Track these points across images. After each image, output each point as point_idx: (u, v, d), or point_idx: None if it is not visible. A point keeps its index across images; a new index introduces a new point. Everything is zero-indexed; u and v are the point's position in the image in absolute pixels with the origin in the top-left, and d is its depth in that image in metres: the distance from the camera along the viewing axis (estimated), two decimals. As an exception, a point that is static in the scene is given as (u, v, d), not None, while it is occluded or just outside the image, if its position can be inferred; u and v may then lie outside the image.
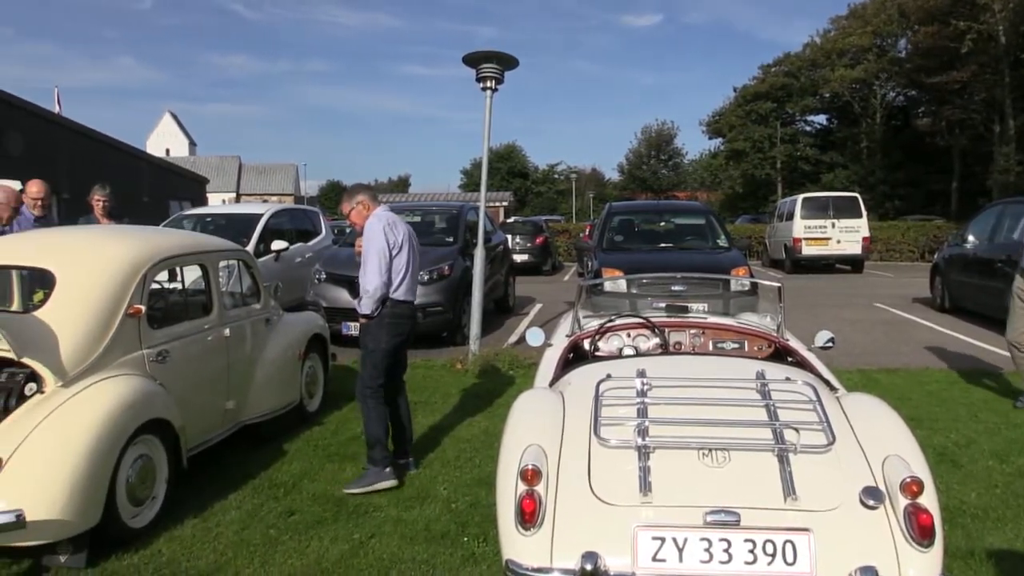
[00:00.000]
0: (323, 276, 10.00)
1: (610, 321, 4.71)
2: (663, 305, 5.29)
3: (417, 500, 4.72)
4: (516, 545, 2.82)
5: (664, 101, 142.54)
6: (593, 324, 4.76)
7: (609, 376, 3.41)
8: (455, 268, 10.09)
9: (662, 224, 12.54)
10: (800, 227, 21.43)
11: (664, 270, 8.64)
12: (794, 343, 4.58)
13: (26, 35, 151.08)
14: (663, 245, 11.55)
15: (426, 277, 9.66)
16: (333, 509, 4.59)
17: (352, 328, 9.40)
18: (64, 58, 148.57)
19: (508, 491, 2.93)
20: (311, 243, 12.12)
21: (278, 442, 5.77)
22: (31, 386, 4.01)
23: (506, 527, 2.88)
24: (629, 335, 4.66)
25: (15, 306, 4.84)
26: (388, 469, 4.92)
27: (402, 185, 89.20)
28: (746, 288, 9.42)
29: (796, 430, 3.02)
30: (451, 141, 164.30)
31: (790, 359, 4.36)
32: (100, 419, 3.90)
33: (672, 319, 4.80)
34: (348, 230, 15.89)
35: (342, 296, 9.60)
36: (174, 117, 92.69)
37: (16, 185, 6.75)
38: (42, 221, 6.70)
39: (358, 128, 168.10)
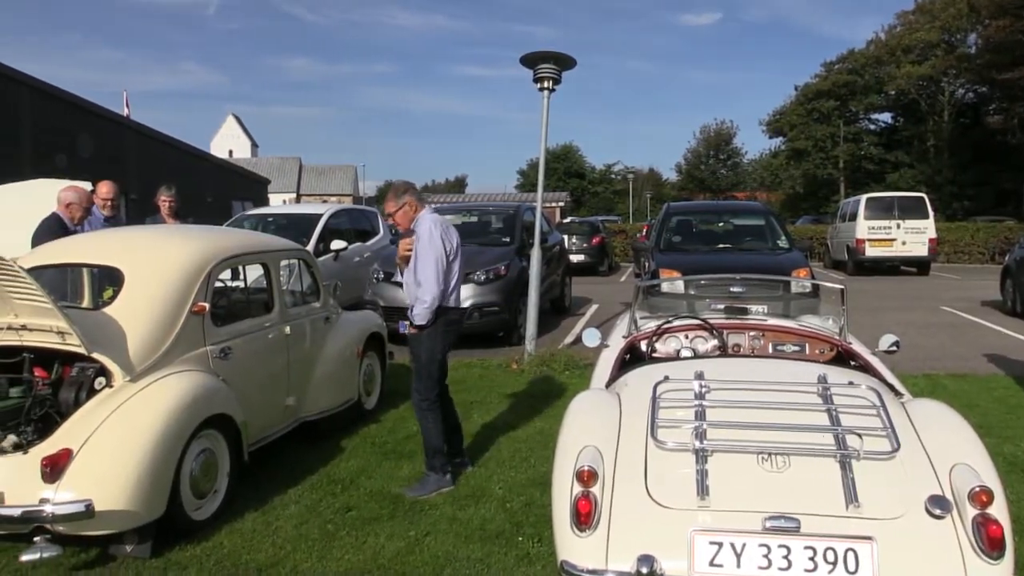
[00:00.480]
0: (381, 275, 10.11)
1: (668, 322, 4.66)
2: (722, 307, 5.21)
3: (472, 499, 4.74)
4: (571, 546, 2.81)
5: (723, 100, 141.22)
6: (650, 325, 4.72)
7: (667, 378, 3.38)
8: (511, 268, 10.10)
9: (721, 224, 12.38)
10: (864, 228, 20.94)
11: (723, 271, 8.53)
12: (857, 346, 4.47)
13: (98, 41, 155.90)
14: (722, 246, 11.40)
15: (482, 277, 9.71)
16: (389, 506, 4.64)
17: (408, 326, 9.50)
18: (133, 63, 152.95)
19: (564, 492, 2.92)
20: (369, 243, 12.26)
21: (336, 439, 5.85)
22: (100, 380, 4.13)
23: (561, 528, 2.87)
24: (687, 337, 4.61)
25: (85, 303, 4.99)
26: (447, 476, 4.91)
27: (459, 186, 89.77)
28: (807, 290, 9.24)
29: (859, 436, 2.95)
30: (508, 142, 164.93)
31: (853, 363, 4.26)
32: (166, 413, 4.01)
33: (731, 321, 4.74)
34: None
35: (399, 295, 9.63)
36: (237, 119, 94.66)
37: (87, 186, 6.96)
38: (111, 221, 6.90)
39: (416, 129, 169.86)
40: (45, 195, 6.86)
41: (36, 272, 3.99)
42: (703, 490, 2.80)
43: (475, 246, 10.71)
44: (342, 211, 12.65)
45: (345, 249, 10.95)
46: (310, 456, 5.47)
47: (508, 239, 11.01)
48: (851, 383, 3.39)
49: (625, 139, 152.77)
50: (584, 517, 2.81)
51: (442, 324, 4.84)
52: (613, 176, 76.09)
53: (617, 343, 4.65)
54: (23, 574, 3.77)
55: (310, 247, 10.05)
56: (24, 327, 4.04)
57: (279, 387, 5.30)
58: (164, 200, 7.62)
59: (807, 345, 4.59)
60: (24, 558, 3.54)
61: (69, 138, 21.53)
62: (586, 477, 2.87)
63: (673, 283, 9.19)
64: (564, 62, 8.81)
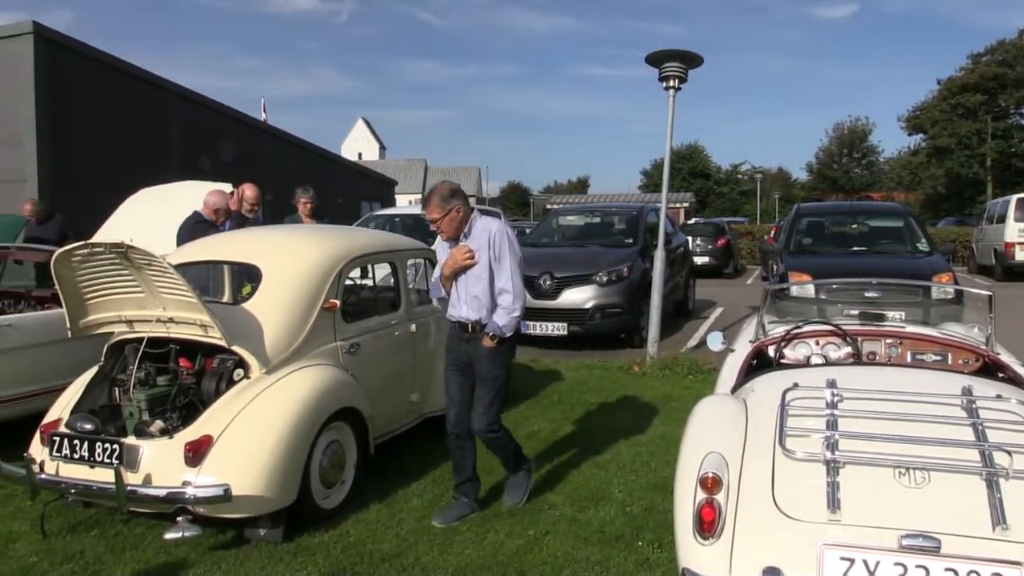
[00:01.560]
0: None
1: (797, 328, 4.50)
2: (855, 312, 4.99)
3: (592, 501, 4.72)
4: (693, 554, 2.75)
5: (857, 96, 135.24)
6: (779, 330, 4.56)
7: (796, 385, 3.26)
8: (634, 269, 10.00)
9: (855, 226, 11.82)
10: (1014, 230, 19.58)
11: (857, 275, 8.16)
12: (1006, 357, 4.18)
13: (239, 51, 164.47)
14: (856, 249, 10.89)
15: (604, 278, 9.67)
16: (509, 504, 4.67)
17: (531, 326, 9.57)
18: (270, 70, 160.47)
19: (686, 498, 2.87)
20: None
21: (458, 435, 5.93)
22: (238, 372, 4.35)
23: (683, 535, 2.82)
24: (818, 343, 4.44)
25: (226, 298, 5.27)
26: (530, 465, 4.77)
27: (581, 187, 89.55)
28: (950, 296, 8.71)
29: (1008, 453, 2.75)
30: (631, 142, 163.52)
31: (1001, 375, 3.99)
32: (299, 405, 4.19)
33: (866, 327, 4.52)
34: (527, 230, 16.14)
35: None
36: (366, 123, 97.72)
37: (228, 188, 7.32)
38: (251, 221, 7.25)
39: (539, 130, 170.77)
40: (189, 196, 7.23)
41: (182, 269, 4.22)
42: (834, 503, 2.68)
43: (597, 247, 10.69)
44: (466, 211, 12.82)
45: (469, 249, 11.10)
46: (433, 452, 5.56)
47: (631, 240, 10.92)
48: (999, 396, 3.18)
49: (752, 138, 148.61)
50: (707, 525, 2.74)
51: (517, 336, 4.46)
52: (740, 176, 74.05)
53: (743, 348, 4.52)
54: (166, 551, 4.01)
55: (435, 247, 10.23)
56: (171, 320, 4.29)
57: (404, 383, 5.43)
58: (303, 202, 7.93)
59: (949, 355, 4.33)
60: (167, 536, 3.78)
61: (212, 142, 22.81)
62: (710, 484, 2.80)
63: (803, 287, 8.85)
64: (691, 60, 8.65)
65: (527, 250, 10.97)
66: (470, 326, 4.31)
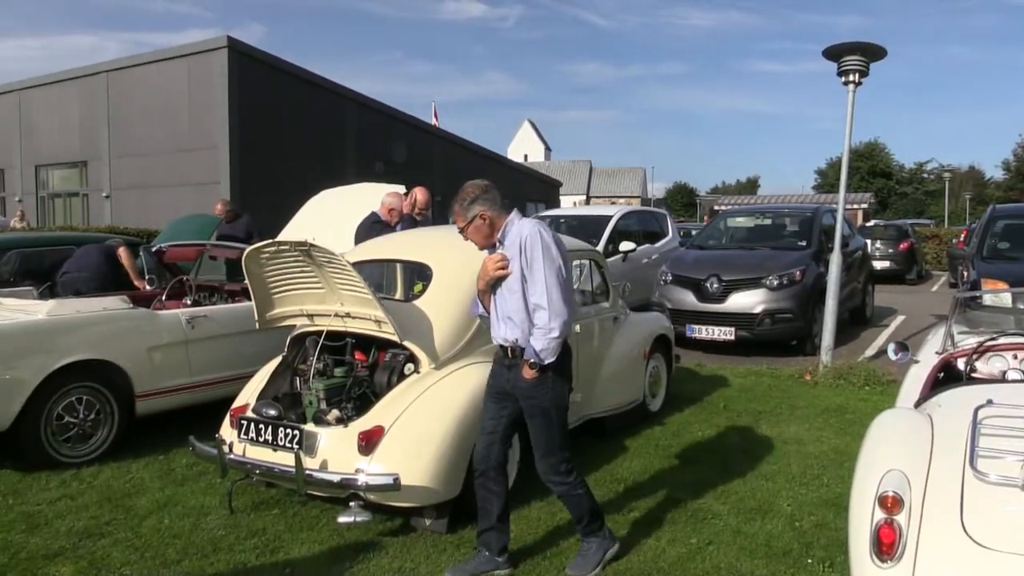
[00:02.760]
0: (669, 278, 10.05)
1: (992, 339, 4.15)
2: (1061, 324, 4.55)
3: (758, 513, 4.56)
4: (870, 576, 2.59)
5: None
6: (970, 342, 4.22)
7: (990, 402, 3.01)
8: (807, 273, 9.57)
9: (1059, 230, 10.78)
10: None
11: None
12: None
13: (411, 57, 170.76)
14: (1061, 255, 9.93)
15: (775, 282, 9.32)
16: (671, 510, 4.59)
17: (696, 330, 9.37)
18: (440, 75, 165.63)
19: (863, 517, 2.71)
20: (658, 244, 12.25)
21: (620, 438, 5.90)
22: (409, 366, 4.52)
23: (859, 556, 2.66)
24: (1015, 357, 4.08)
25: (398, 295, 5.48)
26: (611, 535, 3.97)
27: (750, 187, 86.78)
28: None
29: None
30: (804, 140, 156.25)
31: None
32: (465, 400, 4.30)
33: None
34: (694, 232, 15.82)
35: (687, 298, 9.60)
36: (532, 125, 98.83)
37: (402, 190, 7.61)
38: (420, 224, 7.50)
39: (706, 129, 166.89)
40: (365, 197, 7.57)
41: (359, 267, 4.44)
42: (1034, 533, 2.45)
43: (768, 250, 10.32)
44: (631, 213, 12.75)
45: (634, 251, 11.03)
46: (594, 453, 5.56)
47: (804, 243, 10.45)
48: None
49: (940, 134, 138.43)
50: (886, 547, 2.58)
51: (564, 356, 3.70)
52: (925, 175, 69.40)
53: (929, 359, 4.22)
54: (339, 533, 4.22)
55: (600, 248, 10.24)
56: (348, 315, 4.51)
57: (567, 383, 5.44)
58: None
59: None
60: (340, 519, 3.99)
61: (386, 146, 23.84)
62: (890, 503, 2.63)
63: (998, 295, 8.17)
64: (873, 52, 8.18)
65: (693, 252, 10.81)
66: (509, 350, 3.70)
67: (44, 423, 5.19)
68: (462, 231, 3.71)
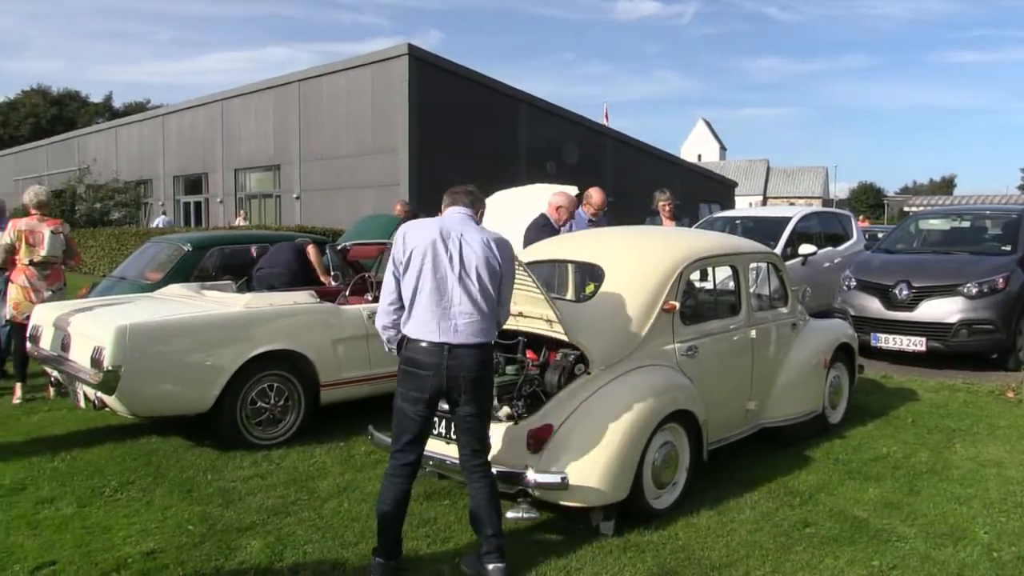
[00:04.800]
0: (853, 283, 9.51)
1: None
2: None
3: (950, 539, 4.22)
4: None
5: None
6: None
7: None
8: (1012, 281, 8.76)
9: None
10: None
11: None
12: None
13: (584, 58, 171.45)
14: None
15: (974, 290, 8.61)
16: (851, 529, 4.35)
17: (882, 339, 8.83)
18: (613, 75, 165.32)
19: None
20: (840, 248, 11.62)
21: (796, 450, 5.64)
22: (579, 367, 4.52)
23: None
24: None
25: (569, 296, 5.50)
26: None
27: (945, 187, 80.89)
28: None
29: None
30: (1008, 135, 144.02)
31: None
32: (636, 403, 4.26)
33: None
34: (879, 235, 14.90)
35: (872, 305, 9.05)
36: (707, 124, 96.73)
37: (573, 190, 7.61)
38: (595, 223, 7.48)
39: (895, 125, 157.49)
40: (537, 198, 7.63)
41: (531, 266, 4.48)
42: None
43: (966, 255, 9.56)
44: (812, 214, 12.16)
45: (814, 254, 10.52)
46: (768, 463, 5.35)
47: (1009, 247, 9.57)
48: None
49: None
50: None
51: (401, 361, 3.76)
52: None
53: None
54: (507, 528, 4.27)
55: (778, 250, 9.84)
56: (520, 314, 4.57)
57: (741, 390, 5.29)
58: (663, 203, 8.04)
59: None
60: (509, 515, 4.05)
61: (557, 146, 24.03)
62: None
63: None
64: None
65: (880, 256, 10.17)
66: None
67: (240, 406, 5.61)
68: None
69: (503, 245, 3.73)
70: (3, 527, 4.34)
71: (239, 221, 21.75)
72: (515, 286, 4.35)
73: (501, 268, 3.69)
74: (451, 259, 3.62)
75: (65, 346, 5.72)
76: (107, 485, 4.98)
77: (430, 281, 3.60)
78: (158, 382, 5.39)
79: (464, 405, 3.68)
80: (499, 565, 3.65)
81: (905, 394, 7.47)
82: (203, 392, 5.47)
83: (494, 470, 4.10)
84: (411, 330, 3.66)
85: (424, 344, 3.62)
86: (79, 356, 5.51)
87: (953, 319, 8.57)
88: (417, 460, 3.79)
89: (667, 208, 7.95)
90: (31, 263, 7.09)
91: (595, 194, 7.60)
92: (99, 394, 5.30)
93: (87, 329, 5.55)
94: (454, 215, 3.82)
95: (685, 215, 23.64)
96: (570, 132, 24.94)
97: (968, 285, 8.63)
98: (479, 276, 3.62)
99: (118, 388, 5.18)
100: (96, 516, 4.50)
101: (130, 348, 5.21)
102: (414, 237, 3.68)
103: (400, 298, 3.72)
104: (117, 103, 67.55)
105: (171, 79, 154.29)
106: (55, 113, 62.48)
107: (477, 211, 3.93)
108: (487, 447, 3.82)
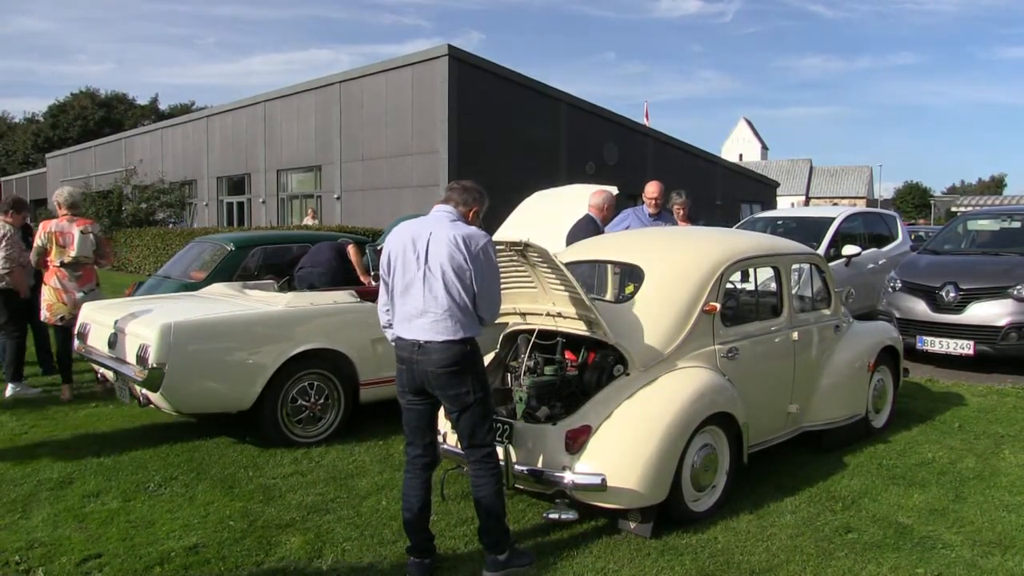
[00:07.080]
0: (898, 285, 9.34)
1: None
2: None
3: (998, 547, 4.13)
4: None
5: None
6: None
7: None
8: (1067, 283, 8.53)
9: None
10: None
11: None
12: None
13: (625, 58, 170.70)
14: None
15: (1029, 292, 8.39)
16: (894, 535, 4.27)
17: (928, 342, 8.66)
18: (653, 75, 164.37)
19: None
20: (885, 249, 11.42)
21: (838, 454, 5.55)
22: (618, 368, 4.49)
23: None
24: None
25: (609, 296, 5.48)
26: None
27: (995, 186, 79.14)
28: None
29: None
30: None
31: None
32: (675, 405, 4.23)
33: None
34: (924, 234, 14.60)
35: (918, 307, 8.87)
36: (749, 123, 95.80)
37: (614, 191, 7.57)
38: (656, 219, 7.42)
39: (943, 124, 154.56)
40: (577, 198, 7.60)
41: (571, 267, 4.47)
42: None
43: (1017, 256, 9.32)
44: (856, 214, 11.96)
45: (858, 255, 10.35)
46: (810, 468, 5.28)
47: (1063, 248, 9.33)
48: None
49: None
50: None
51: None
52: None
53: None
54: (545, 528, 4.29)
55: (821, 251, 9.70)
56: (559, 314, 4.56)
57: (782, 393, 5.22)
58: (676, 206, 7.98)
59: None
60: (547, 515, 4.08)
61: (597, 146, 23.95)
62: None
63: None
64: None
65: (926, 257, 9.97)
66: None
67: (281, 404, 5.68)
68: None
69: (472, 241, 3.70)
70: (51, 520, 4.44)
71: (308, 220, 22.11)
72: (555, 286, 4.35)
73: (469, 264, 3.67)
74: (418, 259, 3.72)
75: (112, 343, 5.84)
76: (151, 480, 5.08)
77: (400, 282, 3.78)
78: (201, 379, 5.48)
79: (444, 400, 3.80)
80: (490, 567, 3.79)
81: (951, 398, 7.32)
82: (245, 390, 5.55)
83: (530, 471, 4.10)
84: (395, 328, 3.88)
85: (401, 341, 3.84)
86: (125, 353, 5.62)
87: (1002, 322, 8.37)
88: (426, 454, 3.91)
89: (681, 211, 7.86)
90: (62, 264, 7.14)
91: (651, 187, 7.48)
92: (144, 391, 5.41)
93: (133, 327, 5.66)
94: (434, 214, 3.88)
95: (727, 215, 23.43)
96: (610, 132, 24.82)
97: (1018, 287, 8.42)
98: (444, 273, 3.65)
99: (162, 385, 5.28)
100: (140, 510, 4.59)
101: (174, 346, 5.30)
102: (392, 240, 3.86)
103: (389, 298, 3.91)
104: (163, 105, 69.11)
105: (216, 81, 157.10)
106: (103, 115, 63.94)
107: (469, 208, 3.93)
108: (482, 443, 3.83)
